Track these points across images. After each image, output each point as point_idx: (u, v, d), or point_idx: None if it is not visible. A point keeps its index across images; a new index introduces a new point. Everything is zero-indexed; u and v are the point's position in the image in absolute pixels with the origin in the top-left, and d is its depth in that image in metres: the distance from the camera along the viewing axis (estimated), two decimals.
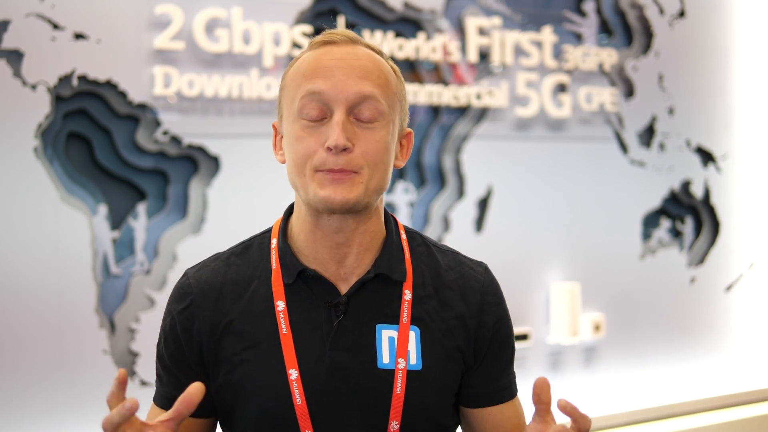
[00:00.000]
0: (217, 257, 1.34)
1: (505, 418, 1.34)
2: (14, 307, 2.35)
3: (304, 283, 1.27)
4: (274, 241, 1.30)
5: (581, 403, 3.49)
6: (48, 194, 2.39)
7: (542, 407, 1.16)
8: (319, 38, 1.26)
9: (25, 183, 2.37)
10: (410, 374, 1.24)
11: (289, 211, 1.34)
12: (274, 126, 1.31)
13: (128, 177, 2.49)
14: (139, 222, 2.51)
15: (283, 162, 1.28)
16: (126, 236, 2.49)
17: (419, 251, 1.33)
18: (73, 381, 2.41)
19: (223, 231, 2.58)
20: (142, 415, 1.39)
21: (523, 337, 3.06)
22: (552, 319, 3.15)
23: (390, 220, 1.33)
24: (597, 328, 3.23)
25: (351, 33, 1.27)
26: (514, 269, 3.09)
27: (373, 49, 1.28)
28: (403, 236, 1.33)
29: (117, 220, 2.48)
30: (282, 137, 1.28)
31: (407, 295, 1.27)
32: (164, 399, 1.32)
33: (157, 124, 2.53)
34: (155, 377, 1.34)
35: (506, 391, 1.35)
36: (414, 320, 1.27)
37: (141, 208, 2.51)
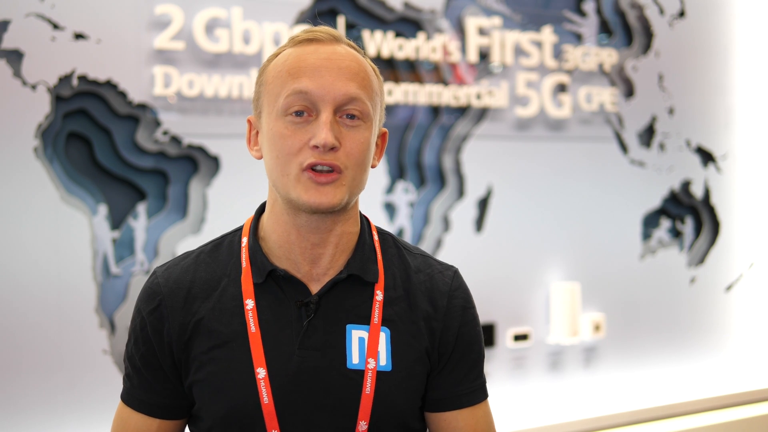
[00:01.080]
0: (186, 255, 1.34)
1: (466, 425, 1.31)
2: (14, 307, 2.35)
3: (275, 282, 1.27)
4: (244, 240, 1.31)
5: (581, 403, 3.50)
6: (48, 194, 2.39)
7: None
8: (302, 35, 1.26)
9: (25, 183, 2.37)
10: (380, 375, 1.24)
11: (260, 210, 1.34)
12: (249, 121, 1.31)
13: (128, 177, 2.50)
14: (139, 222, 2.51)
15: (259, 158, 1.29)
16: (126, 236, 2.49)
17: (390, 253, 1.34)
18: (72, 381, 2.41)
19: (222, 231, 2.57)
20: (111, 411, 1.38)
21: (523, 337, 3.06)
22: (552, 319, 3.15)
23: (363, 221, 1.33)
24: (597, 328, 3.23)
25: (334, 30, 1.27)
26: (514, 269, 3.09)
27: (354, 48, 1.28)
28: (376, 237, 1.34)
29: (117, 220, 2.48)
30: (258, 132, 1.29)
31: (379, 296, 1.28)
32: (136, 401, 1.31)
33: (157, 124, 2.53)
34: (124, 376, 1.33)
35: (468, 396, 1.32)
36: (385, 321, 1.27)
37: (141, 208, 2.51)
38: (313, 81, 1.21)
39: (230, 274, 1.29)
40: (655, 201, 3.41)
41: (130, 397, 1.32)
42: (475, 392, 1.33)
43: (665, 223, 3.44)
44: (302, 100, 1.21)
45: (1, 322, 2.34)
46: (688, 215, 3.50)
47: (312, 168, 1.20)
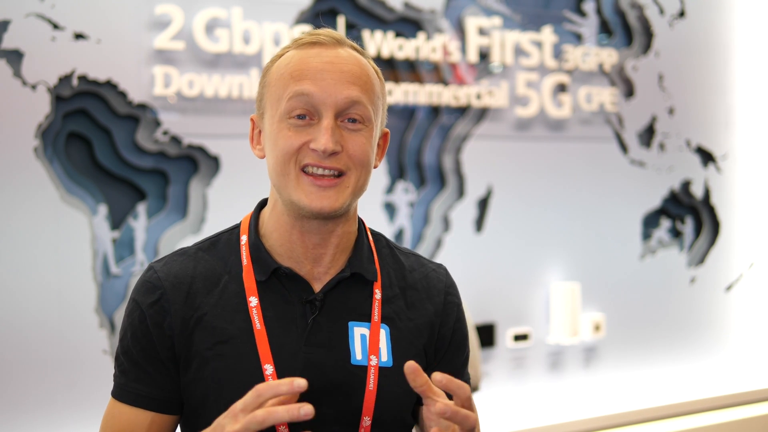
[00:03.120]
0: (183, 252, 1.34)
1: None
2: (14, 306, 2.35)
3: (278, 280, 1.28)
4: (243, 238, 1.31)
5: (581, 403, 3.50)
6: (48, 194, 2.39)
7: (421, 389, 1.12)
8: (305, 38, 1.28)
9: (25, 183, 2.37)
10: (382, 371, 1.26)
11: (259, 207, 1.35)
12: (252, 119, 1.32)
13: (128, 177, 2.50)
14: (139, 222, 2.51)
15: (262, 157, 1.31)
16: (126, 236, 2.49)
17: (384, 253, 1.36)
18: (72, 381, 2.41)
19: None
20: (101, 411, 1.37)
21: (523, 337, 3.06)
22: (552, 319, 3.15)
23: (360, 221, 1.36)
24: (597, 328, 3.23)
25: (337, 34, 1.28)
26: (514, 269, 3.09)
27: (357, 50, 1.29)
28: (370, 237, 1.36)
29: (117, 220, 2.48)
30: (260, 132, 1.31)
31: (377, 294, 1.30)
32: (131, 395, 1.29)
33: (157, 124, 2.53)
34: (115, 373, 1.31)
35: None
36: (384, 319, 1.29)
37: (141, 208, 2.51)
38: (315, 84, 1.22)
39: (231, 272, 1.30)
40: (655, 201, 3.41)
41: (124, 392, 1.30)
42: None
43: (665, 223, 3.44)
44: (304, 103, 1.22)
45: (2, 322, 2.34)
46: (688, 215, 3.50)
47: (309, 170, 1.21)
